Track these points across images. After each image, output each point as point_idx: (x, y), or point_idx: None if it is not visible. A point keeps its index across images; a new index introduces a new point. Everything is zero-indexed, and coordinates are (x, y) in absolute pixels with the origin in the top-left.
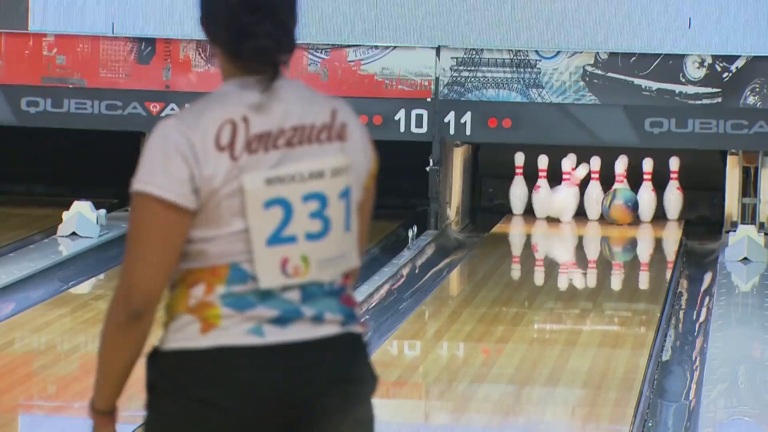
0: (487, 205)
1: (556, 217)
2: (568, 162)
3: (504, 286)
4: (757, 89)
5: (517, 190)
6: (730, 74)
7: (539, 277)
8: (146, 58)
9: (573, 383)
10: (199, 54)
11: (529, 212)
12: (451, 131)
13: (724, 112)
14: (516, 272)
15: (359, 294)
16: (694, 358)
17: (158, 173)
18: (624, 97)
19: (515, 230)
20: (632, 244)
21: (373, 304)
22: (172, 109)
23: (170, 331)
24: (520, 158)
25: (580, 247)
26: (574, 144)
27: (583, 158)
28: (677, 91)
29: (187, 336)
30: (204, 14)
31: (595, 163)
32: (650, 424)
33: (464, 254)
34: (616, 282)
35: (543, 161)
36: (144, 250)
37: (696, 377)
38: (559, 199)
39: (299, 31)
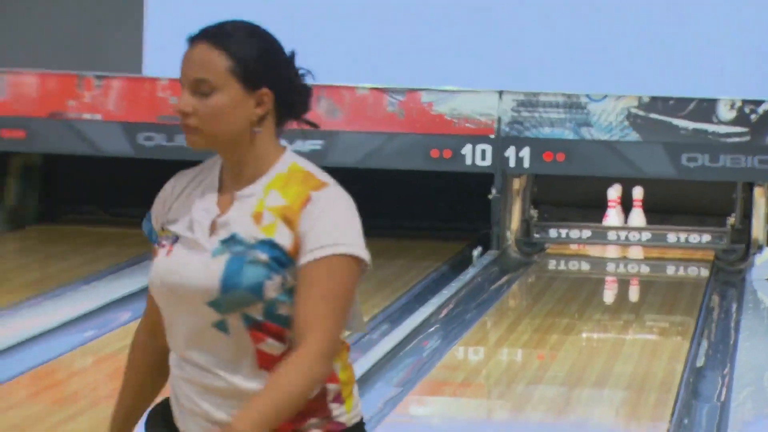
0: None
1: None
2: (613, 191)
3: (557, 300)
4: None
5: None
6: (758, 116)
7: (588, 292)
8: None
9: (618, 386)
10: None
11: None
12: (511, 164)
13: (751, 149)
14: (567, 287)
15: (430, 306)
16: (724, 365)
17: (360, 237)
18: (663, 135)
19: (567, 250)
20: (671, 263)
21: (442, 315)
22: None
23: (355, 405)
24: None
25: (624, 266)
26: (619, 176)
27: (626, 188)
28: (710, 131)
29: (360, 407)
30: (267, 55)
31: (638, 192)
32: (686, 422)
33: (522, 271)
34: (656, 297)
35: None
36: (344, 313)
37: (726, 381)
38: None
39: (380, 75)
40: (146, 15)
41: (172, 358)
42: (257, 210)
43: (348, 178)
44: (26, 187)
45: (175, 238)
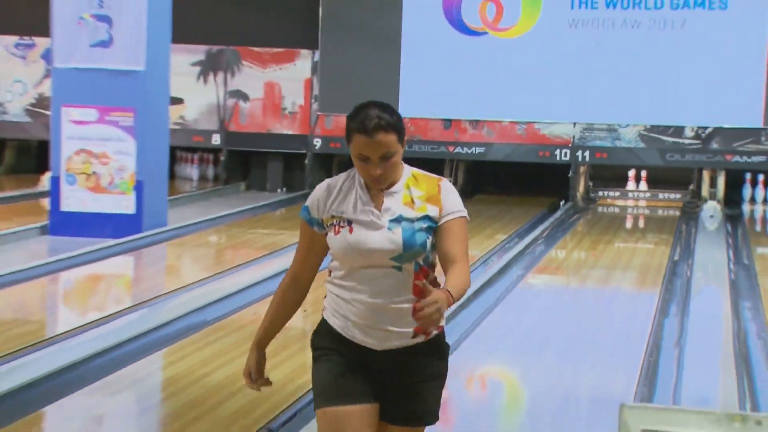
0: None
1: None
2: (631, 172)
3: (602, 227)
4: (719, 141)
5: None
6: (705, 134)
7: (618, 223)
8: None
9: (635, 270)
10: (471, 125)
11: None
12: (580, 159)
13: (701, 152)
14: (608, 221)
15: (538, 230)
16: (688, 258)
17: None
18: (657, 145)
19: (608, 202)
20: (661, 208)
21: (544, 235)
22: None
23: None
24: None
25: (636, 210)
26: (634, 165)
27: (638, 171)
28: (681, 142)
29: None
30: (402, 121)
31: (644, 173)
32: (669, 287)
33: (584, 213)
34: (653, 225)
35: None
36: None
37: (690, 267)
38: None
39: (514, 113)
40: (401, 92)
41: (347, 295)
42: (407, 199)
43: (498, 166)
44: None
45: (349, 222)
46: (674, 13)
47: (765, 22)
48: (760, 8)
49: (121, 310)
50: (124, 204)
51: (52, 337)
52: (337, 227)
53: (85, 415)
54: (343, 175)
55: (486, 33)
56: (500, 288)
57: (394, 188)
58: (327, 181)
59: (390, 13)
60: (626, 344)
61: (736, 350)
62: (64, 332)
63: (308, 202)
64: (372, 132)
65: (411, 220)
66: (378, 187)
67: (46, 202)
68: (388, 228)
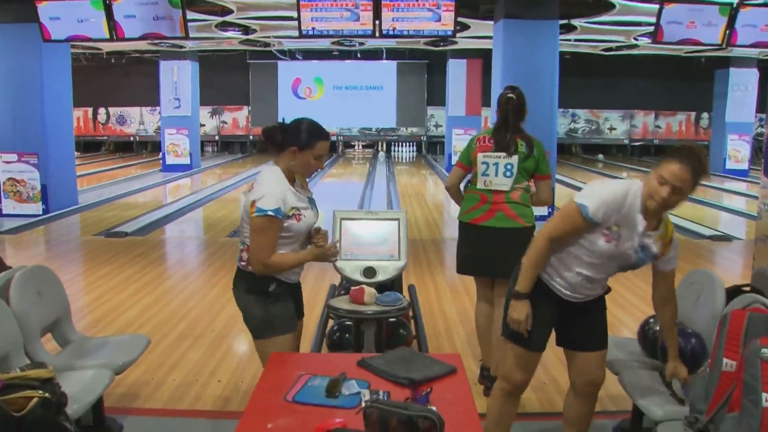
0: None
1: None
2: (355, 143)
3: (347, 161)
4: (384, 132)
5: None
6: (380, 129)
7: (353, 159)
8: None
9: (358, 173)
10: None
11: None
12: (339, 140)
13: (378, 135)
14: (350, 159)
15: (328, 162)
16: (374, 168)
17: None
18: (365, 133)
19: (350, 153)
20: (366, 154)
21: (329, 164)
22: None
23: None
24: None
25: (360, 155)
26: (358, 140)
27: (359, 142)
28: (371, 132)
29: None
30: None
31: (361, 143)
32: (369, 175)
33: (342, 156)
34: (365, 159)
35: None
36: None
37: (373, 171)
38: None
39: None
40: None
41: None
42: (308, 191)
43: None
44: None
45: (299, 211)
46: (369, 91)
47: (393, 96)
48: (392, 92)
49: (184, 195)
50: (186, 159)
51: (163, 205)
52: (297, 216)
53: (179, 233)
54: (281, 183)
55: (306, 99)
56: (315, 181)
57: (302, 184)
58: (276, 188)
59: (272, 94)
60: (356, 196)
61: (390, 199)
62: (168, 203)
63: (278, 205)
64: (329, 138)
65: (313, 201)
66: (308, 177)
67: (161, 161)
68: (312, 209)
